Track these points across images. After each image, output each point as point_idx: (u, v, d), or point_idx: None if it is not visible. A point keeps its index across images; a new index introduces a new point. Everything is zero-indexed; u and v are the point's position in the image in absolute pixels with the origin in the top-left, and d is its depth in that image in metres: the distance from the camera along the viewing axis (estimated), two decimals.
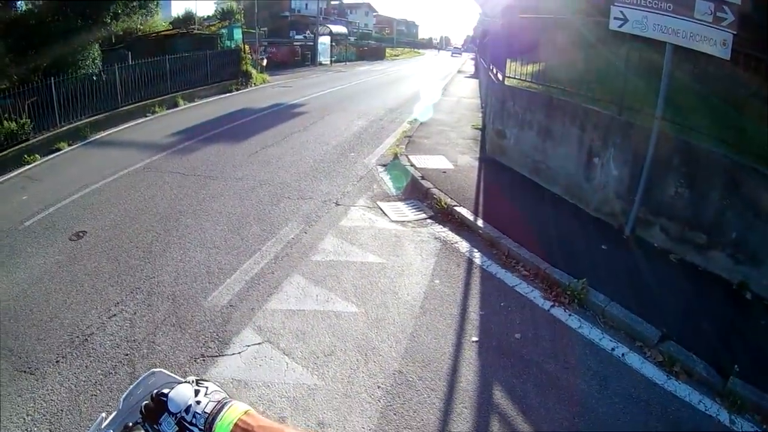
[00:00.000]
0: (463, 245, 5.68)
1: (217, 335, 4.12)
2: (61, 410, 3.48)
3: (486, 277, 5.02)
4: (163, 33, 22.37)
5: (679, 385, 3.65)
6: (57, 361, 3.96)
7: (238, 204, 6.89)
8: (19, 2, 15.43)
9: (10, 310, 4.80)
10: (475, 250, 5.54)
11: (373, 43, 58.47)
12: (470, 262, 5.32)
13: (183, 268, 5.22)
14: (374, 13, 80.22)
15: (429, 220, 6.37)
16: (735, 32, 4.49)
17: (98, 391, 3.62)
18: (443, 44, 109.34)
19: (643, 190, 5.48)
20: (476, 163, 8.49)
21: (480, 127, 11.12)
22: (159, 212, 6.75)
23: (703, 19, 4.69)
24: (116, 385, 3.66)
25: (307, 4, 50.24)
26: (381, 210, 6.69)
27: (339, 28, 47.93)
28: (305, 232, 5.97)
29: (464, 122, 12.34)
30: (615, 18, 5.36)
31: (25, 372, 3.88)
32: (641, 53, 5.87)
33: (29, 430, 3.35)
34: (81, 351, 4.05)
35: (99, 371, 3.81)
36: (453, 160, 8.64)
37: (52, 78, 12.28)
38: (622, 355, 3.94)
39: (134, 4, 16.85)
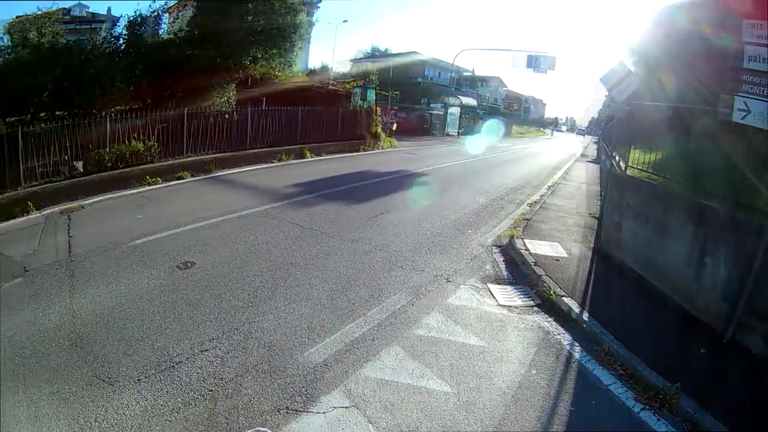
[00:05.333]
0: (566, 338, 5.82)
1: (306, 391, 4.26)
2: (131, 427, 3.73)
3: (582, 373, 5.14)
4: (298, 84, 24.39)
5: None
6: (139, 380, 4.28)
7: (350, 265, 7.21)
8: (161, 30, 17.48)
9: (103, 319, 5.29)
10: (576, 344, 5.68)
11: (501, 119, 59.92)
12: (570, 356, 5.45)
13: (285, 318, 5.51)
14: (504, 88, 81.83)
15: (536, 308, 6.52)
16: None
17: (173, 418, 3.85)
18: (569, 125, 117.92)
19: (749, 294, 5.48)
20: (589, 254, 8.68)
21: (597, 216, 11.11)
22: (270, 259, 7.24)
23: None
24: (193, 416, 3.87)
25: (440, 73, 52.89)
26: (490, 292, 6.87)
27: (469, 100, 49.69)
28: (412, 305, 6.13)
29: (582, 209, 12.64)
30: (738, 109, 5.74)
31: (103, 381, 4.24)
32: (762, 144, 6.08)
33: None
34: (165, 376, 4.35)
35: (179, 399, 4.06)
36: (567, 248, 8.84)
37: (185, 109, 13.75)
38: None
39: (273, 51, 18.33)
